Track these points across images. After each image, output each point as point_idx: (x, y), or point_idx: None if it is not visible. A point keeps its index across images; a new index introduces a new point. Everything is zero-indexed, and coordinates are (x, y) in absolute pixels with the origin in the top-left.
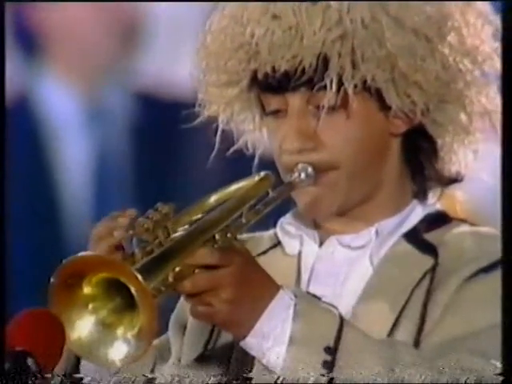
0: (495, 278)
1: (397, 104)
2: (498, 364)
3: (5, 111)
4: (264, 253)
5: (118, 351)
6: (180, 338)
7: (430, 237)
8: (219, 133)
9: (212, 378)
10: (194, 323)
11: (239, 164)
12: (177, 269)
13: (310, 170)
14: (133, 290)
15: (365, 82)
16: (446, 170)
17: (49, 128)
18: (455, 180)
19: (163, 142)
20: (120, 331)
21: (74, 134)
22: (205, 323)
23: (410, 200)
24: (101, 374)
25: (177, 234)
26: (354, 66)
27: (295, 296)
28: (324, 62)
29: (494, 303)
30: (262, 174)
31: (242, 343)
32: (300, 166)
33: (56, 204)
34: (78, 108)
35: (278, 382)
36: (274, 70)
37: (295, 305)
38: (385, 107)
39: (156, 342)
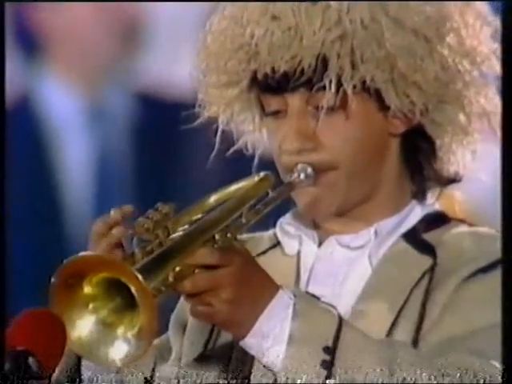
0: (494, 278)
1: (396, 104)
2: (497, 364)
3: (5, 111)
4: (264, 253)
5: (118, 351)
6: (180, 337)
7: (429, 237)
8: (219, 133)
9: (212, 378)
10: (193, 323)
11: (239, 164)
12: (177, 269)
13: (309, 170)
14: (133, 289)
15: (364, 82)
16: (444, 171)
17: (49, 128)
18: (454, 180)
19: (163, 143)
20: (120, 331)
21: (75, 134)
22: (205, 323)
23: (409, 200)
24: (101, 374)
25: (177, 234)
26: (353, 66)
27: (294, 296)
28: (323, 62)
29: (492, 303)
30: (262, 174)
31: (241, 343)
32: (299, 166)
33: (56, 204)
34: (79, 108)
35: (278, 381)
36: (273, 70)
37: (294, 304)
38: (384, 107)
39: (156, 341)
